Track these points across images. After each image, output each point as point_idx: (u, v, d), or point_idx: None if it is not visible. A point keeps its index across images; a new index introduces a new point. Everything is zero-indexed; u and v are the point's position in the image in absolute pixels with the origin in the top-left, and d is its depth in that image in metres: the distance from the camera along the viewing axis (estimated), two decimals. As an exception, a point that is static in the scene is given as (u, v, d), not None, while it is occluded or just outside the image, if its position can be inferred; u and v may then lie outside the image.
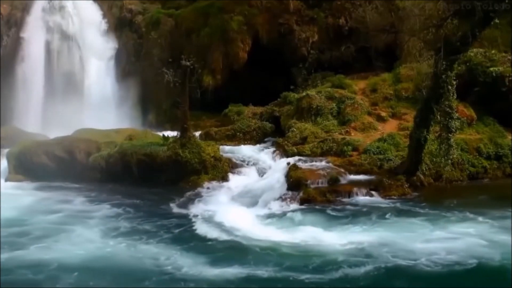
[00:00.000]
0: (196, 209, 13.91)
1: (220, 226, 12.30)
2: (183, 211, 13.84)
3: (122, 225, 12.65)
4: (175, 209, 14.05)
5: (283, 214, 13.31)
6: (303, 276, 9.49)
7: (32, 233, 12.02)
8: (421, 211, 13.25)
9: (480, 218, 12.41)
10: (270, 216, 13.19)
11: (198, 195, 15.12)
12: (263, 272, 9.68)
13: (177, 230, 12.23)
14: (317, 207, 13.77)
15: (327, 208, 13.64)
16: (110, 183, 16.56)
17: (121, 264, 10.27)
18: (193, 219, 12.99)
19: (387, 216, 12.90)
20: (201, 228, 12.27)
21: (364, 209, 13.46)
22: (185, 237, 11.79)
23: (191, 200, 14.63)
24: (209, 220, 12.88)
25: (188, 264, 10.05)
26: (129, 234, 11.96)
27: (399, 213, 13.13)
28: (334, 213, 13.26)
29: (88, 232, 12.14)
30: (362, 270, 9.68)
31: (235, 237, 11.55)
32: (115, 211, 13.88)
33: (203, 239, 11.60)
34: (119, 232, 12.08)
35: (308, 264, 9.99)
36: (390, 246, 10.76)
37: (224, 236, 11.64)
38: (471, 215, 12.63)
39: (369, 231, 11.83)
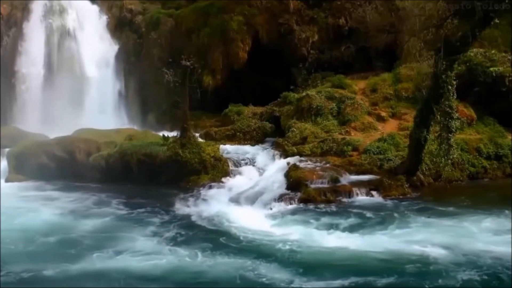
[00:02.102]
0: (220, 211, 13.57)
1: (262, 231, 11.95)
2: (210, 215, 13.42)
3: (174, 232, 12.07)
4: (202, 215, 13.49)
5: (309, 216, 13.05)
6: (421, 284, 9.09)
7: (82, 241, 11.50)
8: (442, 209, 13.18)
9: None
10: (304, 220, 12.82)
11: (210, 195, 15.05)
12: (379, 281, 9.14)
13: (232, 240, 11.56)
14: (333, 208, 13.67)
15: (337, 208, 13.58)
16: (110, 183, 16.51)
17: (200, 276, 9.70)
18: (226, 223, 12.63)
19: (410, 216, 12.75)
20: (251, 235, 11.76)
21: (376, 210, 13.33)
22: (247, 246, 11.17)
23: (205, 202, 14.54)
24: (246, 224, 12.53)
25: (281, 276, 9.47)
26: (187, 242, 11.34)
27: (419, 212, 12.99)
28: (351, 214, 13.04)
29: (143, 239, 11.59)
30: (463, 276, 9.29)
31: (294, 245, 11.03)
32: (145, 215, 13.47)
33: (262, 246, 11.06)
34: (178, 241, 11.48)
35: (404, 270, 9.57)
36: (461, 250, 10.43)
37: (282, 243, 11.14)
38: (498, 213, 12.52)
39: (415, 234, 11.53)
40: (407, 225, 12.15)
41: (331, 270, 9.73)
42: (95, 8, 26.04)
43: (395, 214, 12.96)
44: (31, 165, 17.53)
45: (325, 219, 12.75)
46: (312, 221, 12.67)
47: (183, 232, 12.08)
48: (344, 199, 14.30)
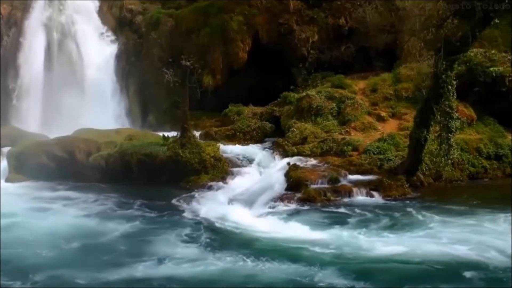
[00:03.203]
0: (230, 213, 13.23)
1: (292, 236, 11.47)
2: (221, 217, 13.07)
3: (205, 235, 11.58)
4: (213, 217, 13.08)
5: (329, 218, 12.69)
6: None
7: (117, 247, 10.94)
8: (453, 208, 13.04)
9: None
10: (328, 223, 12.40)
11: (212, 196, 14.89)
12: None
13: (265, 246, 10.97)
14: (341, 208, 13.51)
15: (346, 209, 13.40)
16: (111, 183, 16.50)
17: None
18: (245, 227, 12.18)
19: (422, 215, 12.56)
20: (281, 240, 11.24)
21: (386, 210, 13.14)
22: (282, 251, 10.55)
23: (211, 202, 14.33)
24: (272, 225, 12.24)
25: (338, 281, 8.95)
26: (223, 248, 10.78)
27: (429, 212, 12.82)
28: (367, 215, 12.79)
29: (181, 245, 11.09)
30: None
31: (334, 249, 10.59)
32: (162, 217, 13.16)
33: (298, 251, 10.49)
34: (215, 246, 10.94)
35: (468, 277, 9.09)
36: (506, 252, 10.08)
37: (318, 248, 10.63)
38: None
39: (441, 234, 11.27)
40: (427, 225, 11.90)
41: (386, 274, 9.28)
42: (95, 8, 26.06)
43: (410, 214, 12.79)
44: (31, 165, 17.51)
45: (347, 221, 12.44)
46: (336, 224, 12.21)
47: (213, 237, 11.59)
48: (345, 199, 14.25)
